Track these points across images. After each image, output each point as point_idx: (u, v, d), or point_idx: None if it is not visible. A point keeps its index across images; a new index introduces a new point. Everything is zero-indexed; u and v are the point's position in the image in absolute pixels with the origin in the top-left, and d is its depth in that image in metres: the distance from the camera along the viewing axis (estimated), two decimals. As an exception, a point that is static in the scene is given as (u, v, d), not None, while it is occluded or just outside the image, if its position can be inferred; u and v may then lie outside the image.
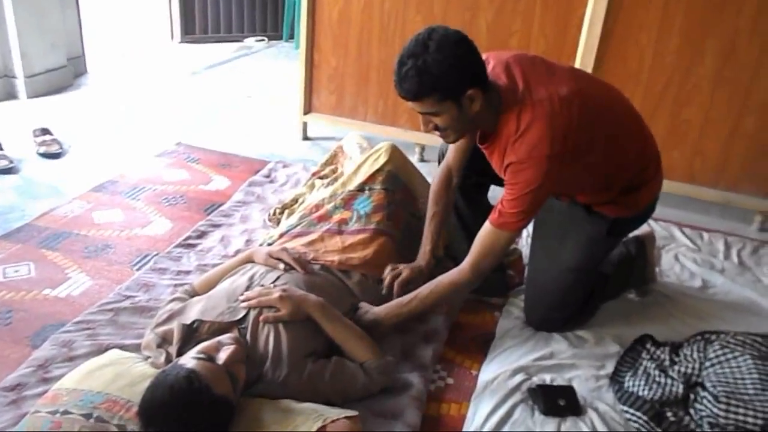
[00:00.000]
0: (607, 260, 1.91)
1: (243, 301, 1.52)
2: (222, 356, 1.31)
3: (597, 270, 1.85)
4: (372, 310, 1.68)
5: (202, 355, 1.29)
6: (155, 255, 2.08)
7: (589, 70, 2.60)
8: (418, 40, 1.42)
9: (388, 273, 1.80)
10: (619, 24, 2.53)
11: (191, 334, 1.45)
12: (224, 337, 1.39)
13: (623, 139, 1.62)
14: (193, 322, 1.47)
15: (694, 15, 2.44)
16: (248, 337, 1.45)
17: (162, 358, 1.46)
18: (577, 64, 2.62)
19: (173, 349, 1.44)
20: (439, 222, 1.89)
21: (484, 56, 1.56)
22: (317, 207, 2.02)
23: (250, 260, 1.74)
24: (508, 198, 1.53)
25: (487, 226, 1.59)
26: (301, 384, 1.42)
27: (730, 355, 1.52)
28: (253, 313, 1.49)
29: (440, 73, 1.40)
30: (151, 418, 1.21)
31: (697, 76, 2.52)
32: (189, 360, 1.28)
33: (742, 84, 2.48)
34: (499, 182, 1.62)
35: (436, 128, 1.53)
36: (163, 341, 1.49)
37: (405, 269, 1.80)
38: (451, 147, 1.83)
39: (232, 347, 1.34)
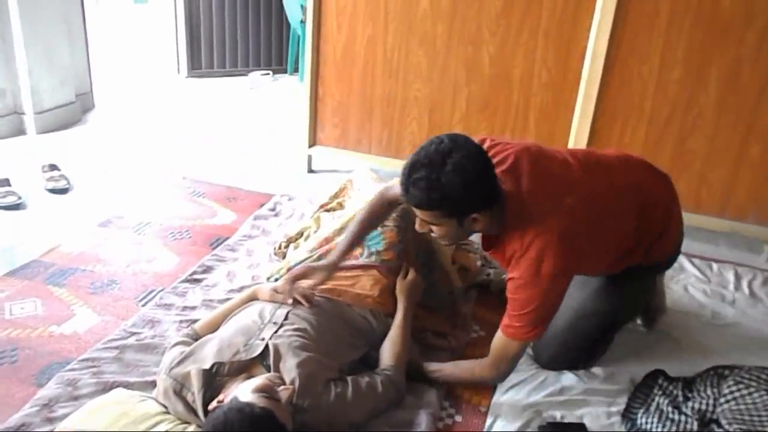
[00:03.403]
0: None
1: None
2: (284, 395, 1.32)
3: (612, 315, 1.79)
4: None
5: (265, 394, 1.29)
6: (161, 290, 2.08)
7: (592, 100, 2.62)
8: (438, 151, 1.36)
9: (291, 273, 1.79)
10: (621, 55, 2.55)
11: (212, 378, 1.43)
12: (271, 376, 1.40)
13: (621, 224, 1.61)
14: (213, 365, 1.44)
15: (695, 45, 2.46)
16: (272, 371, 1.45)
17: (181, 406, 1.42)
18: (581, 96, 2.63)
19: (197, 396, 1.40)
20: (362, 233, 1.82)
21: (493, 148, 1.54)
22: (326, 240, 2.02)
23: (253, 298, 1.73)
24: (513, 313, 1.52)
25: (499, 333, 1.57)
26: (329, 407, 1.43)
27: (744, 391, 1.49)
28: (272, 347, 1.48)
29: (450, 195, 1.36)
30: None
31: (700, 106, 2.53)
32: (256, 398, 1.27)
33: (746, 112, 2.48)
34: None
35: (431, 231, 1.50)
36: (182, 387, 1.44)
37: (310, 276, 1.76)
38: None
39: (290, 387, 1.36)
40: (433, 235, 1.52)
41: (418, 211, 1.45)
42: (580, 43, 2.60)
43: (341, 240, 1.83)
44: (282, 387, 1.35)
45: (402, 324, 1.73)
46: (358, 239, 1.81)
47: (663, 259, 1.77)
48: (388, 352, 1.67)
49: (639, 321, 2.01)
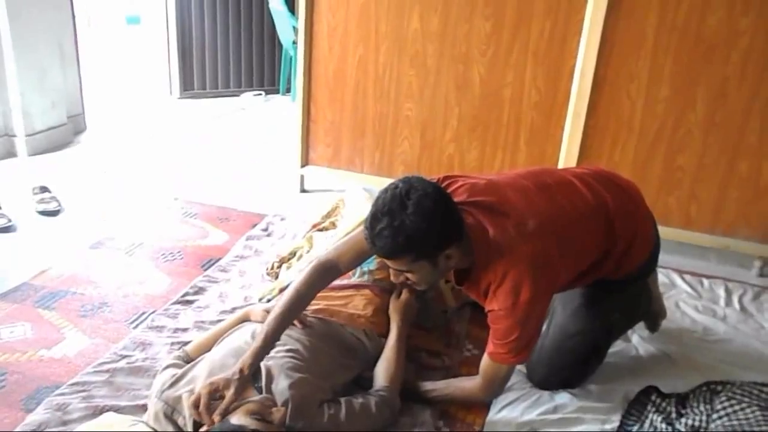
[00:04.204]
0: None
1: None
2: (275, 417, 1.32)
3: (599, 330, 1.79)
4: None
5: (257, 416, 1.30)
6: (152, 312, 2.06)
7: (581, 119, 2.64)
8: (395, 196, 1.36)
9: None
10: (610, 74, 2.59)
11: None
12: (262, 398, 1.39)
13: (587, 237, 1.61)
14: None
15: (682, 64, 2.49)
16: (264, 392, 1.44)
17: (172, 430, 1.41)
18: (570, 113, 2.66)
19: (188, 421, 1.39)
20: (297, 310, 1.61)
21: (449, 186, 1.54)
22: (318, 260, 2.02)
23: (245, 319, 1.72)
24: (496, 341, 1.53)
25: (486, 357, 1.58)
26: (322, 429, 1.43)
27: (737, 407, 1.49)
28: (264, 368, 1.47)
29: (417, 237, 1.35)
30: None
31: (688, 123, 2.56)
32: (248, 421, 1.28)
33: (733, 129, 2.51)
34: None
35: (407, 279, 1.49)
36: (174, 410, 1.42)
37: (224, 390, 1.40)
38: (347, 251, 1.65)
39: (282, 409, 1.35)
40: (410, 283, 1.51)
41: (389, 262, 1.45)
42: (568, 62, 2.63)
43: (269, 319, 1.53)
44: (274, 409, 1.34)
45: (396, 344, 1.72)
46: (289, 318, 1.58)
47: (637, 267, 1.74)
48: (382, 373, 1.66)
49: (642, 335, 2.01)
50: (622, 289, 1.76)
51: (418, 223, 1.34)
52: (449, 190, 1.53)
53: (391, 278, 1.52)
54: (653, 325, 2.00)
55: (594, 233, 1.61)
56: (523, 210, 1.52)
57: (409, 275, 1.47)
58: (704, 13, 2.41)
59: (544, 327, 1.81)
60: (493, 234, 1.47)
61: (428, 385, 1.71)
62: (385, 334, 1.78)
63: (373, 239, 1.39)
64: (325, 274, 1.64)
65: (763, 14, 2.36)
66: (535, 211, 1.53)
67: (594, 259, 1.63)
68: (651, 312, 1.97)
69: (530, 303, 1.45)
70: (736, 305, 2.29)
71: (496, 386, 1.62)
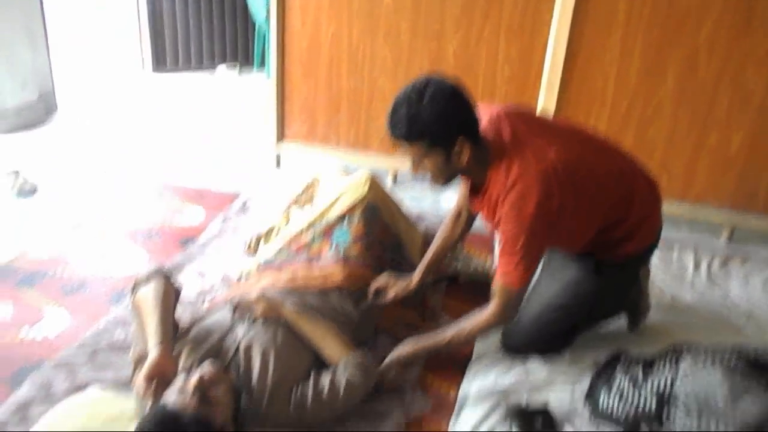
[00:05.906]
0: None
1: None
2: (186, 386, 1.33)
3: (584, 310, 1.82)
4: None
5: (200, 392, 1.32)
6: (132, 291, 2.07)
7: (555, 93, 2.67)
8: (415, 87, 1.47)
9: (374, 283, 1.89)
10: (582, 48, 2.61)
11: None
12: (207, 366, 1.41)
13: (605, 206, 1.64)
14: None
15: (652, 37, 2.52)
16: (241, 370, 1.47)
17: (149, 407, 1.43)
18: (543, 87, 2.69)
19: None
20: (438, 251, 1.95)
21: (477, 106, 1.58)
22: (295, 238, 2.04)
23: None
24: (504, 255, 1.56)
25: (496, 279, 1.60)
26: (288, 414, 1.46)
27: (701, 367, 1.56)
28: (243, 347, 1.50)
29: (430, 122, 1.46)
30: None
31: (659, 96, 2.60)
32: (188, 400, 1.31)
33: (703, 101, 2.56)
34: None
35: (424, 171, 1.57)
36: None
37: (391, 288, 1.89)
38: (464, 186, 1.81)
39: (205, 368, 1.36)
40: (425, 173, 1.58)
41: (407, 147, 1.52)
42: (540, 37, 2.65)
43: (423, 259, 1.96)
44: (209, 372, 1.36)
45: (304, 325, 1.62)
46: (433, 259, 1.94)
47: (637, 251, 1.76)
48: (328, 350, 1.59)
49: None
50: (615, 273, 1.79)
51: (431, 110, 1.45)
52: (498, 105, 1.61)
53: (411, 170, 1.58)
54: (635, 320, 1.98)
55: (612, 193, 1.64)
56: (546, 141, 1.56)
57: (424, 163, 1.54)
58: (675, -17, 2.44)
59: (530, 296, 1.83)
60: (509, 148, 1.54)
61: (432, 334, 1.69)
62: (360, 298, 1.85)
63: (391, 126, 1.50)
64: (455, 220, 1.91)
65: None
66: (558, 147, 1.55)
67: (603, 222, 1.66)
68: (637, 307, 1.97)
69: (535, 212, 1.48)
70: (704, 273, 2.37)
71: (510, 309, 1.62)
